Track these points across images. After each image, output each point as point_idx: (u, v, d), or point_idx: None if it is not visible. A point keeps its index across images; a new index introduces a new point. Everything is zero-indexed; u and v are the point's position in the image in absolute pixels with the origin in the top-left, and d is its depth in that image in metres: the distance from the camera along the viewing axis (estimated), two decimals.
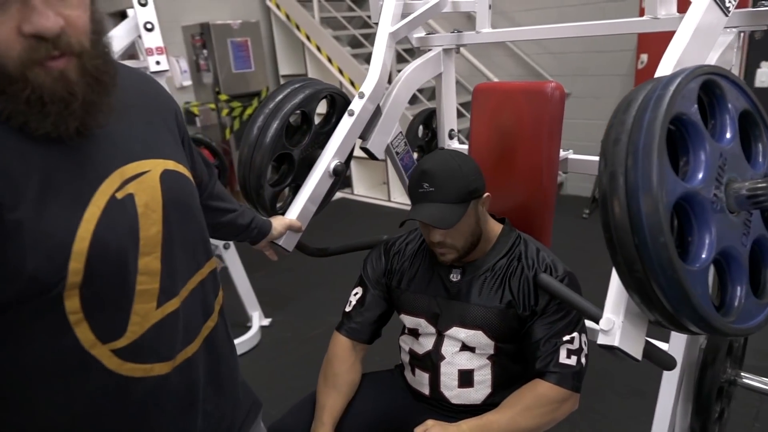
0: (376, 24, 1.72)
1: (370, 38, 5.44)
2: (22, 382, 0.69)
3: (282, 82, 5.83)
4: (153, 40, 2.15)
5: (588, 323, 1.26)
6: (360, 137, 1.60)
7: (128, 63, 2.71)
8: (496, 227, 1.33)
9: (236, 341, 2.80)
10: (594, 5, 4.33)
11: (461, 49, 1.80)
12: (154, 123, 0.83)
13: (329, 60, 5.16)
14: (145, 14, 2.14)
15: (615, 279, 0.85)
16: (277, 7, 5.46)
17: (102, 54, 0.69)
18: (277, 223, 1.39)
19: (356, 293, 1.44)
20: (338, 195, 5.52)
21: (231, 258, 2.87)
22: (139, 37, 2.29)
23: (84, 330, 0.69)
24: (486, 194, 1.27)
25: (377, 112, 1.60)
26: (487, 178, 1.26)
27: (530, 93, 1.35)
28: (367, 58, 5.35)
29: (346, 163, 1.54)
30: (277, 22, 5.61)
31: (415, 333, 1.36)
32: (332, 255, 1.61)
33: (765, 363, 2.30)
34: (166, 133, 0.84)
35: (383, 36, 1.59)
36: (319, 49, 5.21)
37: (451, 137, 1.87)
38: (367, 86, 1.53)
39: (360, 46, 5.56)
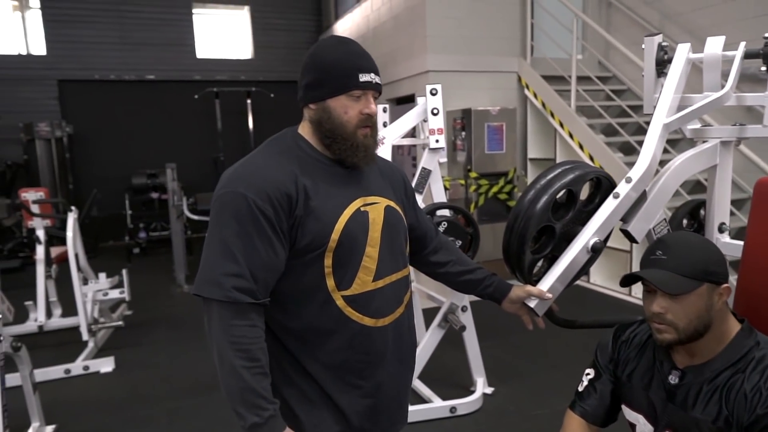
0: (648, 114, 1.79)
1: (626, 127, 5.35)
2: (295, 301, 1.21)
3: (529, 165, 6.05)
4: (436, 122, 2.56)
5: None
6: (621, 219, 1.66)
7: (409, 140, 3.22)
8: (732, 327, 1.21)
9: (457, 402, 2.96)
10: None
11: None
12: (386, 181, 1.37)
13: (580, 146, 5.22)
14: (434, 101, 2.56)
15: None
16: (534, 95, 5.79)
17: (375, 133, 1.27)
18: (520, 289, 1.49)
19: (588, 374, 1.45)
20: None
21: (467, 320, 3.06)
22: (425, 120, 2.75)
23: (330, 279, 1.20)
24: (725, 285, 1.18)
25: (642, 198, 1.65)
26: (760, 281, 1.20)
27: None
28: (620, 147, 5.27)
29: (604, 241, 1.61)
30: (532, 109, 5.93)
31: (633, 428, 1.34)
32: (580, 328, 1.67)
33: None
34: (391, 189, 1.37)
35: (657, 127, 1.66)
36: (571, 135, 5.32)
37: (721, 231, 1.79)
38: (636, 172, 1.60)
39: (613, 134, 5.50)
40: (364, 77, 1.19)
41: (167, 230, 7.43)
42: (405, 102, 6.23)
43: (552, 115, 5.56)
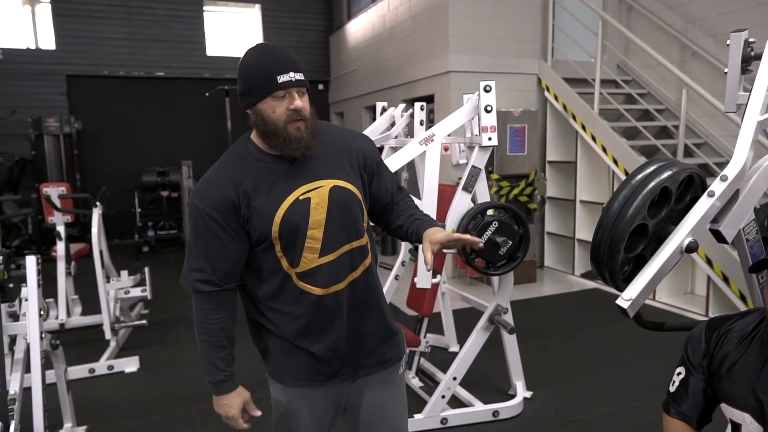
0: (728, 113, 1.75)
1: (647, 129, 5.33)
2: (263, 278, 1.44)
3: (548, 168, 6.02)
4: (489, 120, 2.51)
5: None
6: (712, 220, 1.61)
7: (454, 138, 3.15)
8: None
9: (499, 406, 2.90)
10: None
11: None
12: (336, 158, 1.47)
13: (603, 149, 5.18)
14: (487, 98, 2.51)
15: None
16: (555, 98, 5.75)
17: (314, 121, 1.40)
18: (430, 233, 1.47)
19: (679, 373, 1.39)
20: None
21: (509, 320, 3.00)
22: (472, 118, 2.69)
23: (284, 260, 1.41)
24: None
25: (734, 197, 1.60)
26: None
27: None
28: (641, 149, 5.24)
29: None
30: (552, 112, 5.90)
31: (737, 428, 1.27)
32: (668, 330, 1.61)
33: None
34: (345, 165, 1.47)
35: (751, 124, 1.61)
36: (594, 138, 5.29)
37: None
38: (731, 170, 1.55)
39: (634, 137, 5.48)
40: (282, 78, 1.33)
41: (175, 229, 7.34)
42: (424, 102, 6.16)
43: (573, 117, 5.53)
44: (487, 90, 2.52)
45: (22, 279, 2.23)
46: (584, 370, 3.50)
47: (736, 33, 1.79)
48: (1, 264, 2.12)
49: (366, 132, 3.56)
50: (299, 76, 1.36)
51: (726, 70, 1.83)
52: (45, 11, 7.94)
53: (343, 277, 1.46)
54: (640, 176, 1.53)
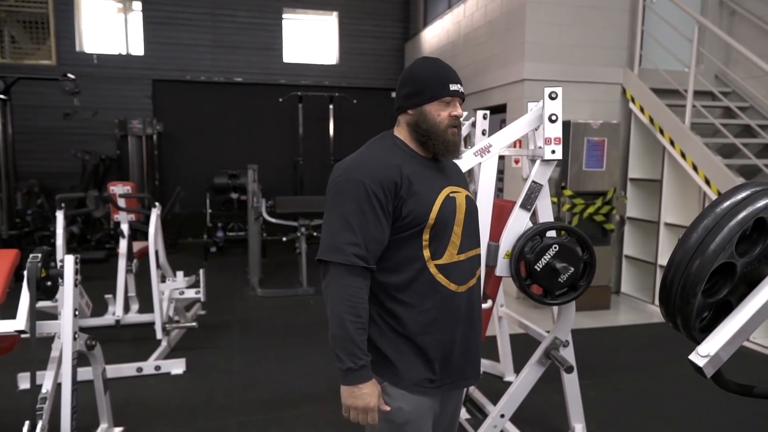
0: None
1: (747, 148, 4.75)
2: (398, 267, 1.47)
3: (630, 185, 5.53)
4: (554, 130, 2.24)
5: None
6: None
7: (515, 150, 2.90)
8: None
9: None
10: None
11: None
12: (458, 172, 1.68)
13: (694, 167, 4.67)
14: (552, 107, 2.24)
15: None
16: (641, 110, 5.28)
17: (460, 133, 1.54)
18: None
19: None
20: None
21: (569, 357, 2.68)
22: (536, 128, 2.42)
23: (427, 250, 1.47)
24: None
25: None
26: None
27: None
28: (739, 169, 4.68)
29: None
30: (636, 125, 5.42)
31: None
32: (758, 397, 1.29)
33: None
34: (463, 183, 1.64)
35: None
36: (683, 155, 4.78)
37: None
38: None
39: (732, 155, 4.91)
40: (453, 87, 1.50)
41: (243, 231, 7.48)
42: (496, 112, 5.88)
43: (661, 131, 5.04)
44: (552, 97, 2.25)
45: (61, 276, 2.22)
46: (661, 415, 3.09)
47: None
48: (40, 262, 2.12)
49: None
50: (462, 89, 1.52)
51: None
52: (137, 18, 8.41)
53: (468, 280, 1.55)
54: (728, 203, 1.22)
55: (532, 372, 2.51)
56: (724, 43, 5.04)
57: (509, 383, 2.94)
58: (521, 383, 2.50)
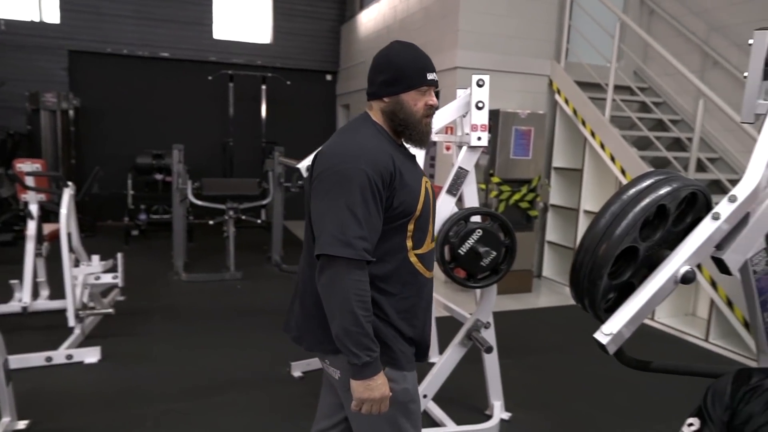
0: (743, 123, 1.51)
1: (661, 140, 5.06)
2: (383, 258, 1.45)
3: (554, 174, 5.76)
4: (481, 117, 2.28)
5: None
6: (715, 246, 1.37)
7: (444, 136, 2.93)
8: None
9: (472, 428, 2.69)
10: None
11: None
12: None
13: (612, 158, 4.92)
14: (479, 94, 2.28)
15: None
16: (566, 102, 5.49)
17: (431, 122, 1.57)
18: None
19: (691, 424, 1.20)
20: None
21: (489, 338, 2.77)
22: (464, 115, 2.46)
23: (410, 240, 1.50)
24: None
25: (744, 221, 1.36)
26: None
27: None
28: (652, 161, 4.97)
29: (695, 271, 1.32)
30: (561, 116, 5.63)
31: None
32: (654, 371, 1.38)
33: None
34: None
35: None
36: (603, 146, 5.02)
37: None
38: (742, 190, 1.32)
39: (646, 148, 5.20)
40: (430, 76, 1.48)
41: (169, 214, 7.16)
42: None
43: (583, 123, 5.26)
44: (479, 85, 2.28)
45: None
46: (577, 392, 3.26)
47: (761, 31, 1.54)
48: None
49: None
50: (437, 77, 1.51)
51: (746, 74, 1.58)
52: None
53: (433, 267, 1.62)
54: (633, 190, 1.29)
55: (454, 353, 2.57)
56: (643, 41, 5.31)
57: (432, 364, 3.00)
58: (443, 364, 2.55)
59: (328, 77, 9.23)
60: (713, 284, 3.99)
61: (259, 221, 6.74)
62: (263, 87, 8.42)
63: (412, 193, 1.45)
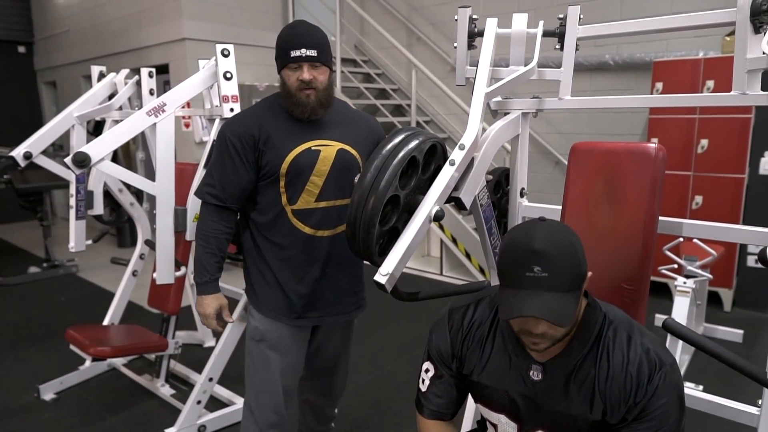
0: (459, 86, 1.84)
1: (385, 107, 5.68)
2: (263, 208, 1.76)
3: None
4: (231, 88, 2.24)
5: None
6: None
7: (191, 110, 2.78)
8: (581, 303, 1.14)
9: None
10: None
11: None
12: (351, 129, 1.83)
13: None
14: (226, 64, 2.24)
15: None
16: None
17: (328, 93, 1.73)
18: None
19: (427, 370, 1.36)
20: None
21: None
22: (210, 87, 2.39)
23: (284, 196, 1.73)
24: (590, 273, 1.11)
25: (471, 165, 1.68)
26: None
27: (634, 153, 1.43)
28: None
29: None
30: None
31: (494, 427, 1.31)
32: (424, 299, 1.62)
33: None
34: (359, 136, 1.84)
35: (480, 96, 1.69)
36: None
37: (522, 195, 1.95)
38: (467, 139, 1.61)
39: (375, 114, 5.79)
40: (294, 53, 1.64)
41: None
42: (160, 73, 5.50)
43: None
44: (225, 54, 2.24)
45: None
46: (383, 331, 3.55)
47: (463, 9, 1.87)
48: None
49: (80, 101, 2.95)
50: (311, 52, 1.64)
51: (455, 45, 1.91)
52: None
53: (331, 226, 1.77)
54: (390, 145, 1.47)
55: (234, 330, 2.55)
56: (360, 16, 5.81)
57: (211, 348, 2.92)
58: (225, 343, 2.51)
59: (21, 49, 7.73)
60: (440, 227, 4.74)
61: None
62: None
63: (278, 153, 1.68)
